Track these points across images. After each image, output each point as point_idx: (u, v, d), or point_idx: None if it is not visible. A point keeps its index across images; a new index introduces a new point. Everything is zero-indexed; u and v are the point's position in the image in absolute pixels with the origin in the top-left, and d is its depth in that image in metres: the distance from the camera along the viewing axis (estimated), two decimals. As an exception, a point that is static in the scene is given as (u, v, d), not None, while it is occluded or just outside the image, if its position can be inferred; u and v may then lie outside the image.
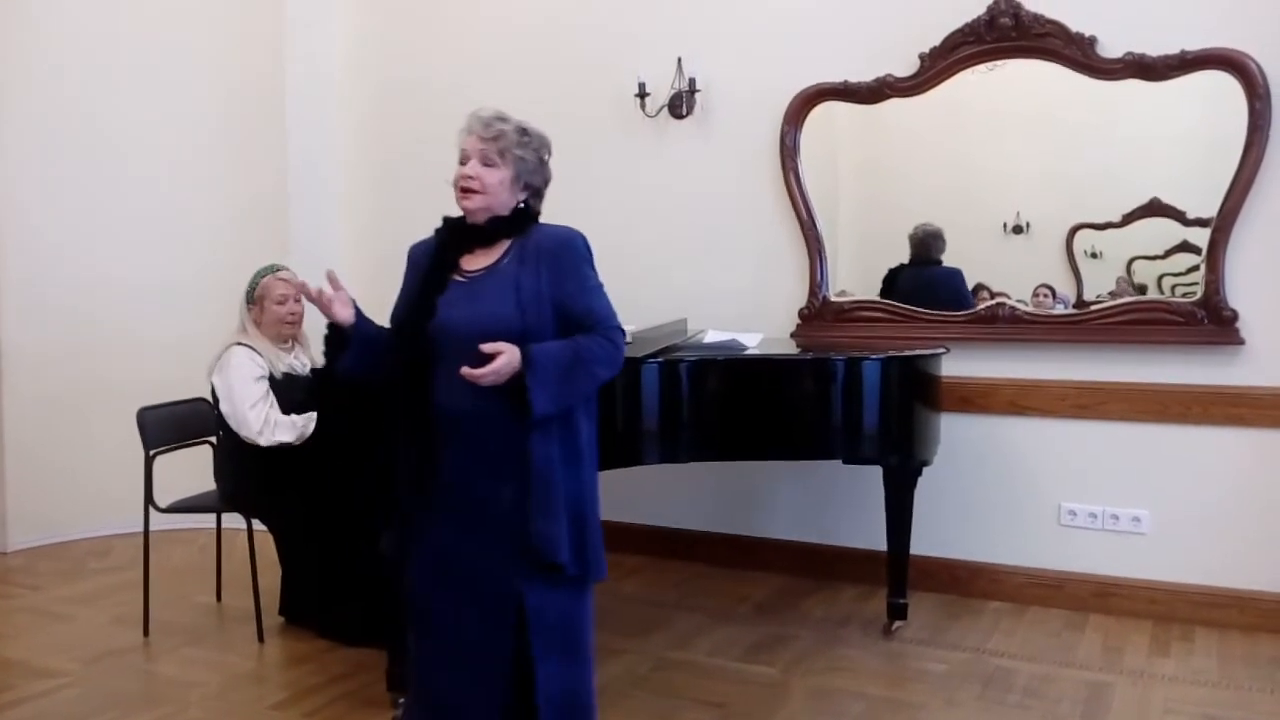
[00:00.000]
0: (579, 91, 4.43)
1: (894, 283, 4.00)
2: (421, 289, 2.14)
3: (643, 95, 4.19)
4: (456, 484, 2.13)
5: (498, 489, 2.09)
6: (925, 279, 3.95)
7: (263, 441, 3.28)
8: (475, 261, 2.15)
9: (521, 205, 2.17)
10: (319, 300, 2.10)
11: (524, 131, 2.16)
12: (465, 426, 2.10)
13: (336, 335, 2.14)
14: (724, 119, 4.17)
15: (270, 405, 3.32)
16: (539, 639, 2.10)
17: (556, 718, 2.14)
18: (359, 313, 2.16)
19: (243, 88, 4.90)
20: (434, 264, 2.17)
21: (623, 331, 2.14)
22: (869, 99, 3.89)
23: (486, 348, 1.98)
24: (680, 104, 4.17)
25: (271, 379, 3.40)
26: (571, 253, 2.13)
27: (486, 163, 2.12)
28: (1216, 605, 3.51)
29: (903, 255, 4.00)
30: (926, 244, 3.93)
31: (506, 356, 1.98)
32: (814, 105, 3.98)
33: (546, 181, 2.23)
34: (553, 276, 2.09)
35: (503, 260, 2.13)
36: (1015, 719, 2.80)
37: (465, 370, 1.97)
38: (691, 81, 4.15)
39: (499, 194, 2.13)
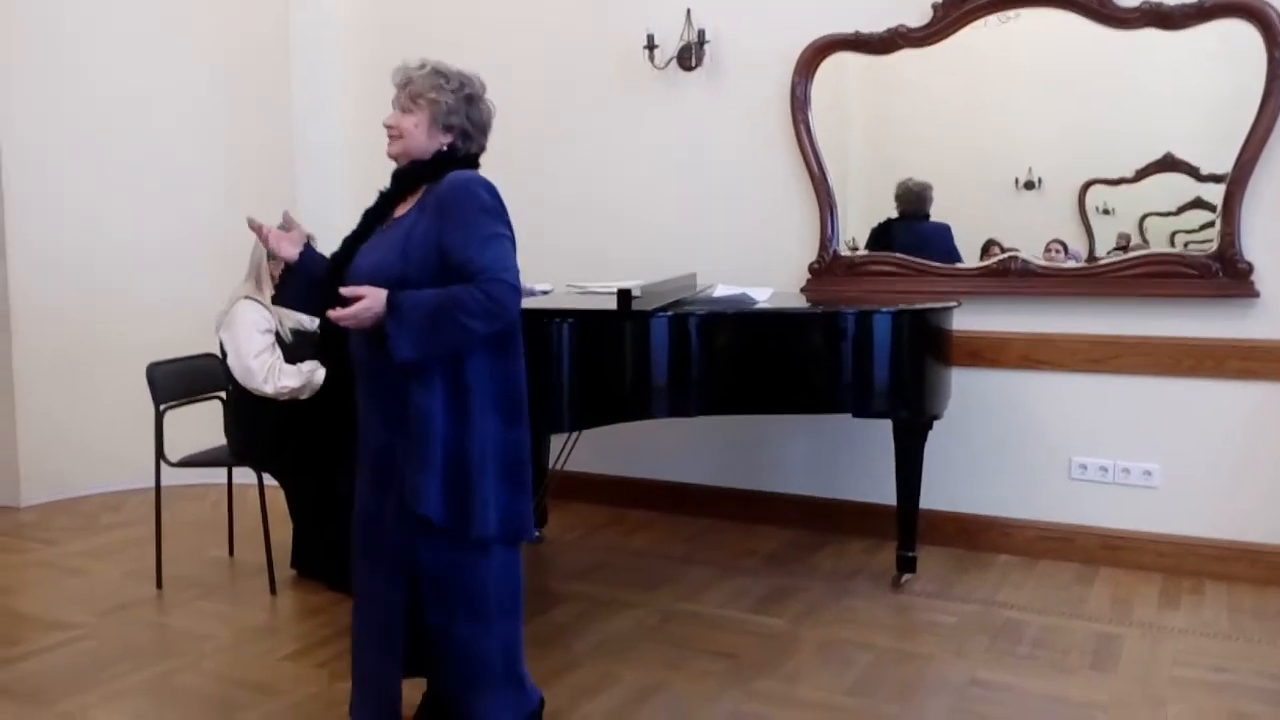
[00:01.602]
0: (586, 44, 4.38)
1: (886, 236, 3.98)
2: (347, 237, 2.20)
3: (651, 47, 4.13)
4: (365, 435, 2.20)
5: (392, 440, 2.10)
6: (918, 234, 3.92)
7: (269, 389, 3.26)
8: (401, 210, 2.17)
9: (444, 149, 2.14)
10: (259, 233, 2.20)
11: (438, 73, 2.15)
12: (367, 377, 2.15)
13: (285, 270, 2.25)
14: (734, 71, 4.12)
15: (275, 355, 3.32)
16: (429, 591, 2.13)
17: (454, 671, 2.16)
18: (310, 251, 2.24)
19: (245, 42, 4.85)
20: (367, 212, 2.20)
21: (510, 285, 2.03)
22: (881, 49, 3.83)
23: (346, 291, 2.00)
24: (689, 56, 4.11)
25: (279, 338, 3.40)
26: (463, 200, 2.06)
27: (403, 110, 2.15)
28: (1227, 558, 3.51)
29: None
30: (919, 197, 3.90)
31: (367, 301, 1.99)
32: (825, 56, 3.92)
33: (477, 122, 2.17)
34: (441, 224, 2.05)
35: (412, 208, 2.13)
36: (1024, 670, 2.81)
37: (329, 312, 2.01)
38: (701, 33, 4.09)
39: (416, 138, 2.13)
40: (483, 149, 2.23)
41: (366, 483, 2.22)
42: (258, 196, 4.70)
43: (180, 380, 3.54)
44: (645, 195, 4.32)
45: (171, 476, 3.52)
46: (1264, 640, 3.00)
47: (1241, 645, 2.97)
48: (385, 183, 2.22)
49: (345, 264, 2.14)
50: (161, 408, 3.43)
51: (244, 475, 3.56)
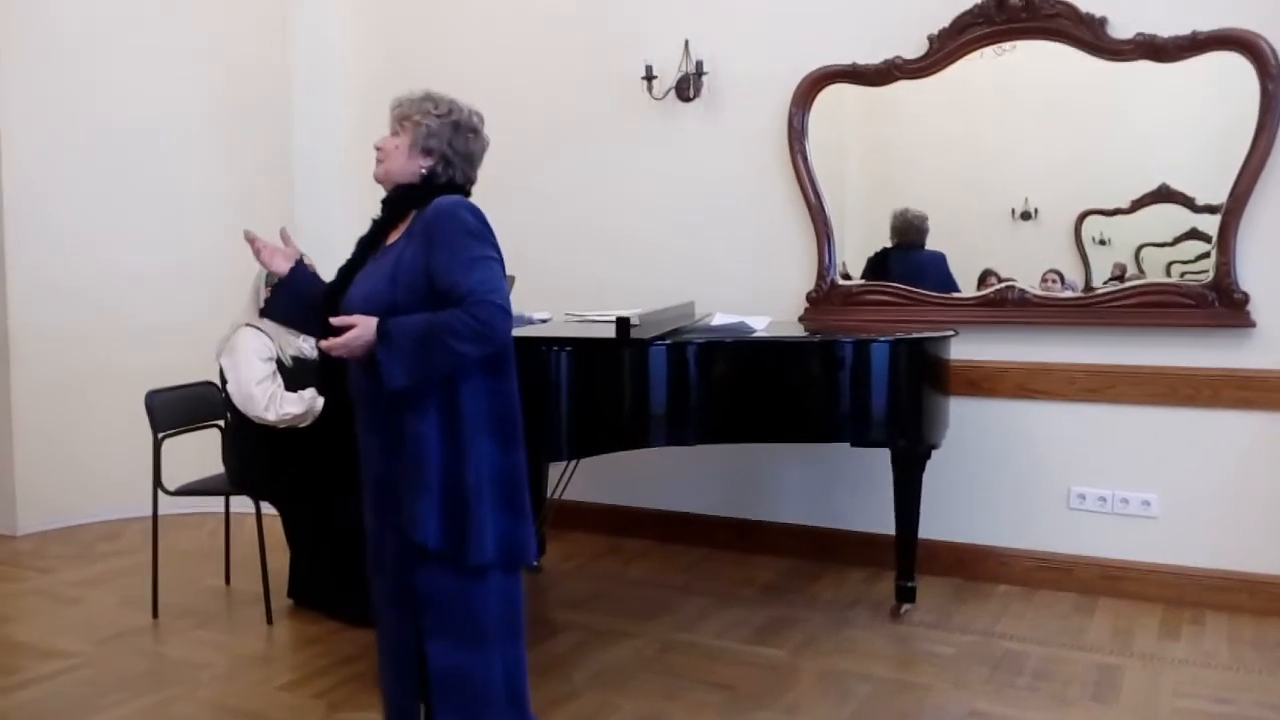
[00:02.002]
0: (585, 74, 4.42)
1: (883, 266, 4.00)
2: (342, 266, 2.21)
3: (650, 78, 4.17)
4: (366, 463, 2.21)
5: (391, 468, 2.11)
6: (914, 263, 3.94)
7: (270, 416, 3.26)
8: (392, 236, 2.19)
9: (424, 172, 2.15)
10: (253, 245, 2.21)
11: (428, 98, 2.17)
12: (365, 405, 2.16)
13: (276, 285, 2.26)
14: (731, 102, 4.15)
15: (277, 383, 3.32)
16: (427, 617, 2.13)
17: (446, 698, 2.15)
18: (300, 268, 2.24)
19: (246, 69, 4.89)
20: (361, 240, 2.22)
21: (498, 306, 2.00)
22: (877, 81, 3.87)
23: (336, 321, 2.02)
24: (687, 87, 4.15)
25: (280, 365, 3.39)
26: (446, 223, 2.05)
27: (392, 132, 2.18)
28: (1227, 589, 3.49)
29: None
30: (916, 228, 3.93)
31: (358, 330, 2.00)
32: (822, 87, 3.96)
33: (461, 152, 2.17)
34: (428, 250, 2.05)
35: (401, 235, 2.15)
36: (1024, 701, 2.78)
37: (320, 342, 2.03)
38: (699, 64, 4.13)
39: (396, 160, 2.15)
40: (469, 179, 2.22)
41: (369, 511, 2.23)
42: (258, 223, 4.68)
43: (179, 408, 3.53)
44: (643, 224, 4.34)
45: (169, 505, 3.51)
46: (1264, 671, 2.99)
47: (1242, 676, 2.95)
48: (379, 209, 2.24)
49: (340, 293, 2.15)
50: (160, 436, 3.43)
51: (242, 504, 3.55)
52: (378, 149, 2.18)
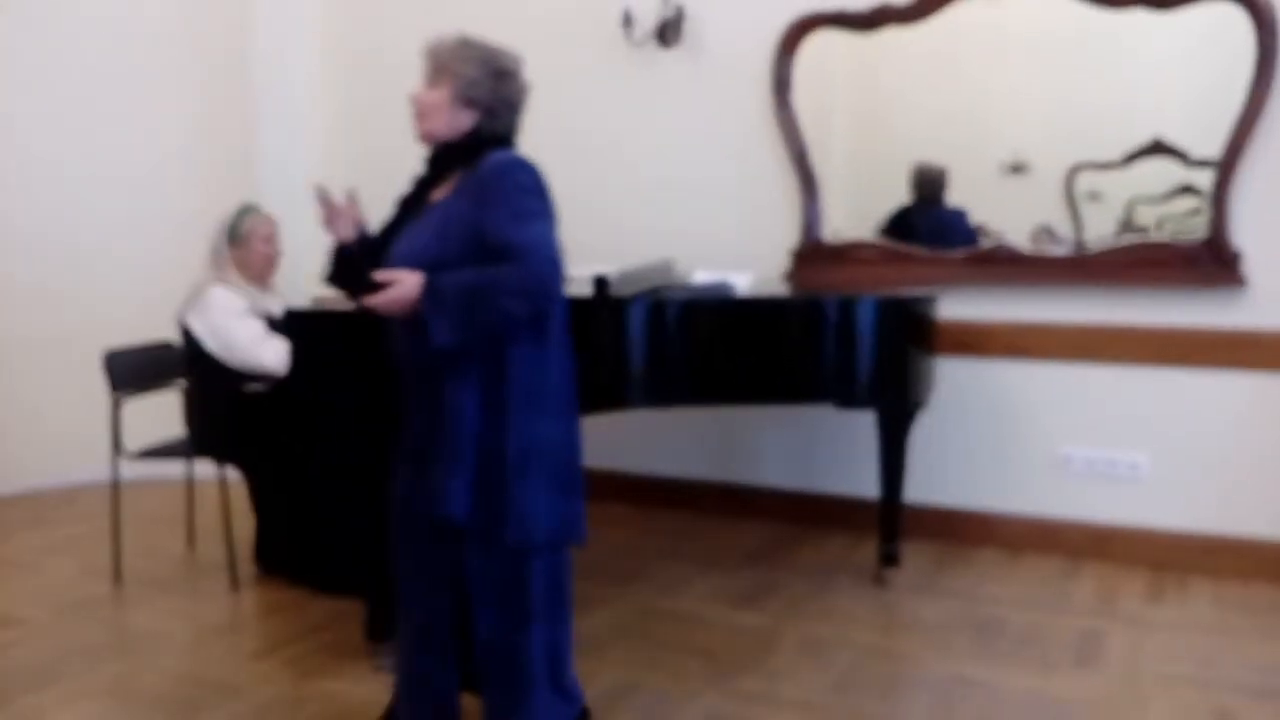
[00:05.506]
0: (560, 18, 4.25)
1: (905, 223, 3.86)
2: (384, 224, 2.10)
3: (628, 23, 4.02)
4: (406, 434, 2.10)
5: (431, 436, 2.00)
6: (938, 220, 3.82)
7: (282, 369, 3.18)
8: (438, 195, 2.07)
9: (470, 129, 2.02)
10: (325, 205, 2.07)
11: (466, 44, 2.02)
12: (405, 369, 2.06)
13: (336, 251, 2.13)
14: (714, 48, 4.01)
15: (276, 336, 3.24)
16: (474, 589, 2.04)
17: (491, 673, 2.08)
18: (366, 238, 2.12)
19: (205, 19, 4.69)
20: (403, 199, 2.11)
21: (550, 260, 1.92)
22: (866, 26, 3.74)
23: (380, 275, 1.90)
24: (667, 32, 4.00)
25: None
26: (502, 180, 1.95)
27: (430, 84, 2.03)
28: (1213, 552, 3.46)
29: (898, 193, 3.87)
30: (935, 183, 3.80)
31: (403, 285, 1.89)
32: (808, 33, 3.82)
33: (505, 100, 2.04)
34: (481, 208, 1.94)
35: (450, 192, 2.03)
36: (1007, 666, 2.75)
37: (364, 299, 1.92)
38: (679, 9, 3.97)
39: (437, 115, 2.01)
40: (512, 128, 2.09)
41: (407, 484, 2.11)
42: (216, 180, 4.59)
43: (139, 368, 3.42)
44: (620, 177, 4.21)
45: (131, 469, 3.41)
46: (1250, 635, 2.96)
47: (1227, 640, 2.93)
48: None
49: (381, 251, 2.04)
50: (118, 395, 3.31)
51: (206, 470, 3.44)
52: (416, 103, 2.03)
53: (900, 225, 3.87)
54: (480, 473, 1.95)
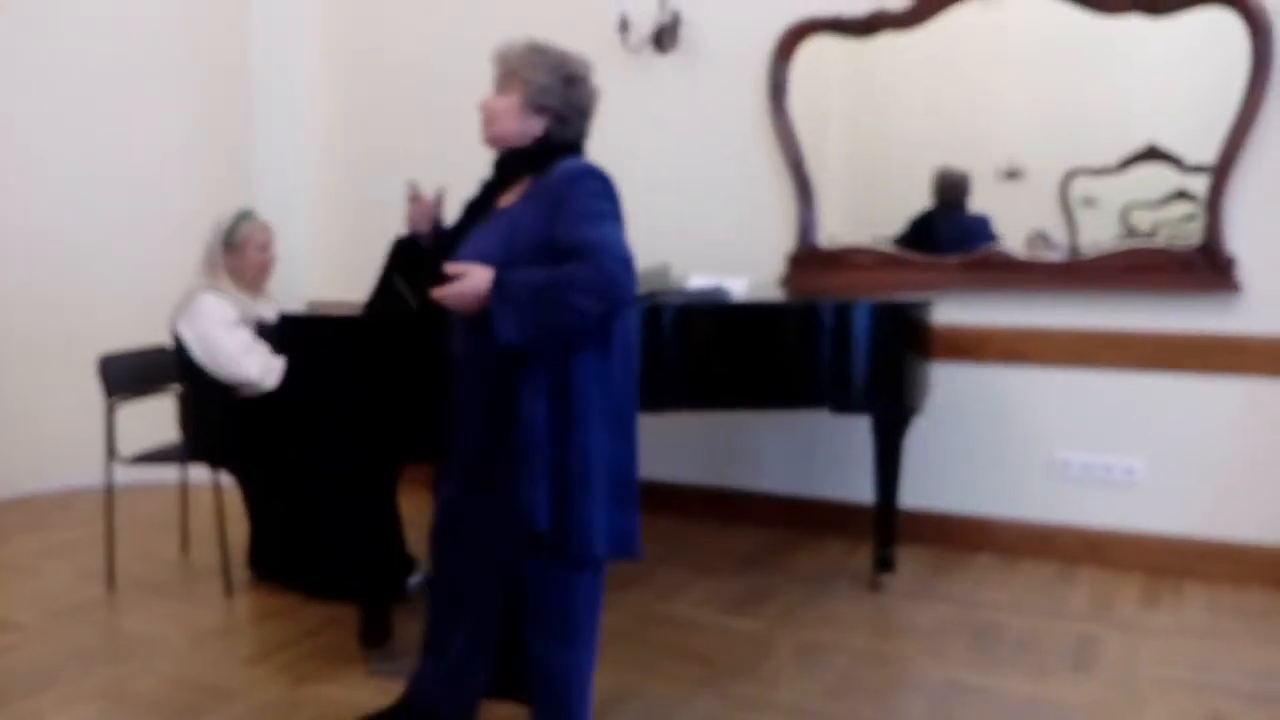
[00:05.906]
0: (556, 23, 4.20)
1: (927, 228, 3.82)
2: (449, 229, 2.11)
3: (624, 28, 4.02)
4: (460, 434, 2.07)
5: (492, 444, 1.98)
6: (961, 225, 3.78)
7: (269, 384, 3.17)
8: (506, 200, 2.06)
9: (540, 135, 2.02)
10: (416, 199, 2.11)
11: (536, 50, 2.02)
12: (465, 372, 2.04)
13: (402, 246, 2.16)
14: (710, 53, 4.01)
15: (263, 346, 3.23)
16: (530, 600, 2.02)
17: (539, 692, 2.07)
18: (443, 234, 2.15)
19: (203, 21, 4.68)
20: (469, 204, 2.10)
21: (623, 260, 1.88)
22: (862, 31, 3.74)
23: (451, 268, 1.88)
24: (664, 37, 4.00)
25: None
26: (574, 187, 1.94)
27: (499, 91, 2.03)
28: (1208, 557, 3.46)
29: (893, 198, 3.87)
30: (958, 188, 3.77)
31: (472, 279, 1.87)
32: (804, 38, 3.82)
33: (576, 106, 2.04)
34: (552, 213, 1.92)
35: (520, 199, 2.01)
36: (1003, 671, 2.74)
37: (433, 291, 1.90)
38: (675, 14, 3.98)
39: (505, 122, 2.01)
40: (582, 135, 2.09)
41: (456, 484, 2.10)
42: (215, 180, 4.58)
43: (134, 373, 3.41)
44: (617, 181, 4.20)
45: (125, 474, 3.40)
46: (1244, 639, 2.96)
47: (1222, 644, 2.93)
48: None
49: (449, 254, 2.04)
50: (112, 400, 3.30)
51: (201, 474, 3.44)
52: (484, 109, 2.03)
53: (922, 231, 3.84)
54: (553, 486, 1.94)
